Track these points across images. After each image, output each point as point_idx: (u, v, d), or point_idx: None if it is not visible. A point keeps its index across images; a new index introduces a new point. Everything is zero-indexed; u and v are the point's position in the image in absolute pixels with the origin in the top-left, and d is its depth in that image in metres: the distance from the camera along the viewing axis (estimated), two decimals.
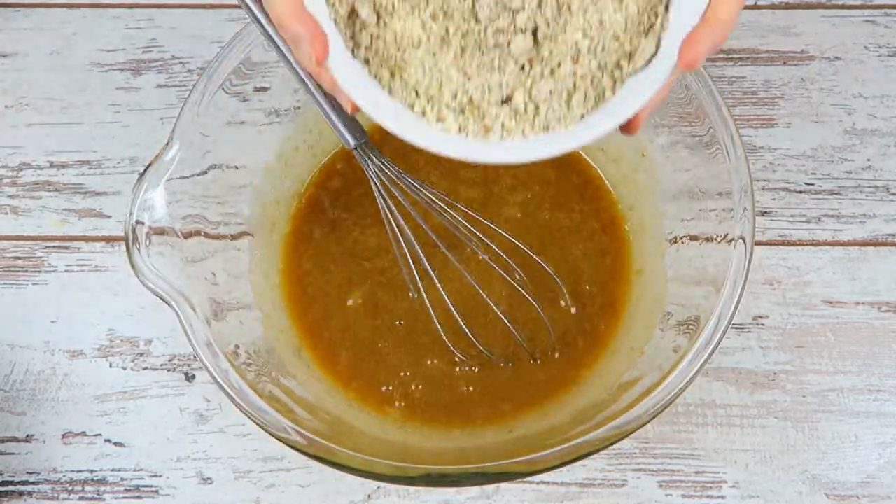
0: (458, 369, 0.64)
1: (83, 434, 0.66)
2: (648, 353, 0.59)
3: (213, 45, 0.77)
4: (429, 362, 0.65)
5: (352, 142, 0.57)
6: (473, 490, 0.63)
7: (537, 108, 0.45)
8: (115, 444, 0.65)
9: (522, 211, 0.69)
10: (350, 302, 0.66)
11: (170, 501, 0.64)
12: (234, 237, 0.63)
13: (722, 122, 0.59)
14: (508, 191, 0.69)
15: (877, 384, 0.66)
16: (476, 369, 0.64)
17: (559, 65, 0.45)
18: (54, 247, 0.71)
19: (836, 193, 0.72)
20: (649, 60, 0.45)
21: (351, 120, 0.56)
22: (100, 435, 0.66)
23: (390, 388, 0.64)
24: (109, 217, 0.72)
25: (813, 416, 0.66)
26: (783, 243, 0.71)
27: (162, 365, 0.67)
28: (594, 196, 0.69)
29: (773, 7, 0.79)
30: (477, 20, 0.44)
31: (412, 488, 0.63)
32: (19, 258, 0.71)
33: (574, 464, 0.52)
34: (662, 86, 0.44)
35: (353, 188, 0.70)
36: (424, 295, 0.63)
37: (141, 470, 0.65)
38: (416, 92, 0.45)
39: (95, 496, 0.64)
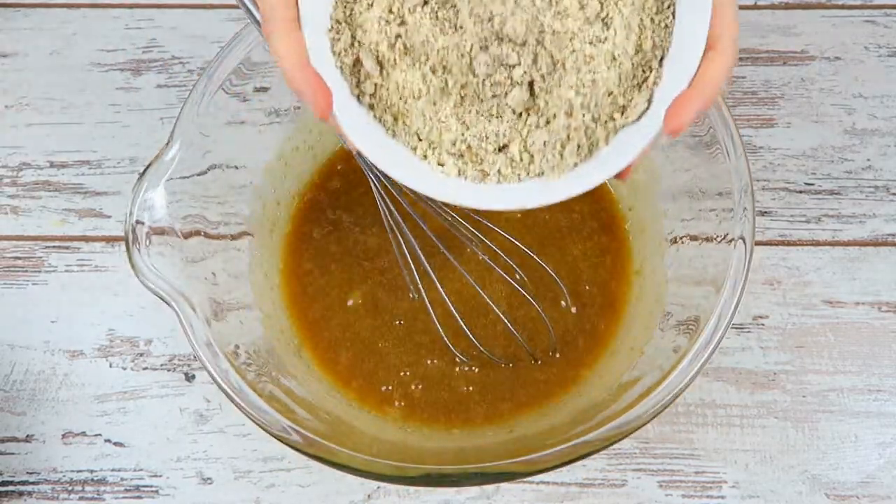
0: (457, 369, 0.64)
1: (83, 434, 0.66)
2: (648, 353, 0.59)
3: (213, 45, 0.77)
4: (429, 362, 0.65)
5: None
6: (473, 490, 0.63)
7: (532, 157, 0.47)
8: (115, 444, 0.65)
9: (522, 211, 0.69)
10: (350, 302, 0.66)
11: (170, 501, 0.64)
12: (234, 237, 0.63)
13: (722, 122, 0.59)
14: None
15: (877, 384, 0.66)
16: (476, 369, 0.64)
17: (554, 116, 0.46)
18: (54, 247, 0.71)
19: (836, 193, 0.72)
20: (641, 115, 0.46)
21: None
22: (100, 435, 0.66)
23: (390, 387, 0.64)
24: (109, 217, 0.72)
25: (813, 416, 0.66)
26: (783, 243, 0.71)
27: (162, 365, 0.67)
28: (594, 196, 0.69)
29: (773, 7, 0.79)
30: (475, 74, 0.46)
31: (412, 488, 0.63)
32: (19, 258, 0.71)
33: (574, 464, 0.52)
34: (652, 140, 0.46)
35: (354, 188, 0.70)
36: (425, 296, 0.63)
37: (141, 470, 0.65)
38: (419, 136, 0.47)
39: (95, 496, 0.64)
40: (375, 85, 0.47)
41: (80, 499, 0.64)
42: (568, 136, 0.46)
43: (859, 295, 0.69)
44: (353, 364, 0.65)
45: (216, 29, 0.78)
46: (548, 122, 0.46)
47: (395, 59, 0.46)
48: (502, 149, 0.47)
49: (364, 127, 0.47)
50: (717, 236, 0.58)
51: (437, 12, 0.45)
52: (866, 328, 0.68)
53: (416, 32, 0.46)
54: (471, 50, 0.45)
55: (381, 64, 0.47)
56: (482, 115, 0.47)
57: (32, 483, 0.64)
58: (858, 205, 0.72)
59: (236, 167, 0.63)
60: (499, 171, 0.47)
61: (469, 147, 0.47)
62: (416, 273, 0.63)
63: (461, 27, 0.45)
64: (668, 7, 0.46)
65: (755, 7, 0.79)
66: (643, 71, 0.46)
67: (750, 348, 0.67)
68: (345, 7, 0.47)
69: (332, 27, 0.47)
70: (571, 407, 0.61)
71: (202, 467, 0.65)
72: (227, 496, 0.64)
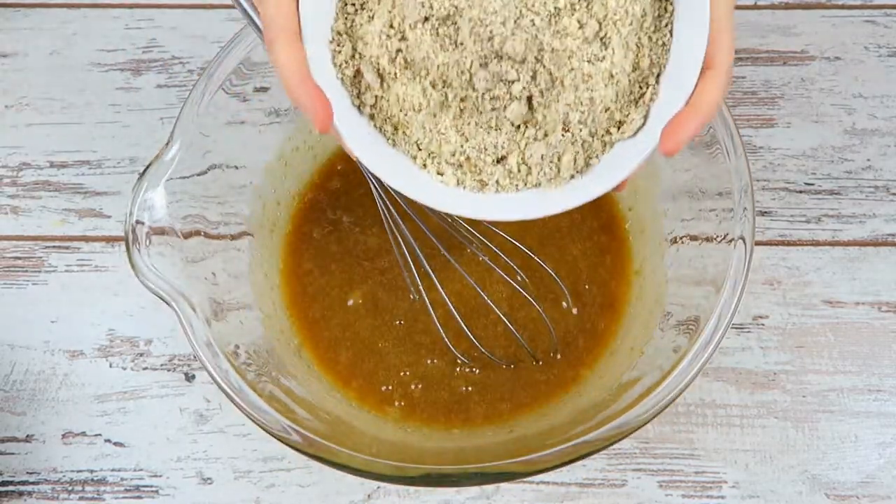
0: (457, 369, 0.64)
1: (83, 434, 0.66)
2: (648, 353, 0.59)
3: (213, 45, 0.77)
4: (429, 362, 0.65)
5: None
6: (473, 490, 0.63)
7: (530, 169, 0.47)
8: (115, 444, 0.65)
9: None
10: (350, 302, 0.66)
11: (170, 501, 0.64)
12: (234, 237, 0.63)
13: (722, 122, 0.59)
14: None
15: (877, 384, 0.66)
16: (476, 369, 0.64)
17: (552, 130, 0.47)
18: (54, 247, 0.71)
19: (836, 193, 0.72)
20: (637, 131, 0.47)
21: None
22: (100, 435, 0.66)
23: (390, 387, 0.64)
24: (109, 217, 0.72)
25: (813, 416, 0.66)
26: (783, 243, 0.71)
27: (162, 365, 0.67)
28: None
29: (773, 7, 0.79)
30: (474, 89, 0.46)
31: (412, 488, 0.63)
32: (19, 258, 0.71)
33: (574, 464, 0.52)
34: (648, 156, 0.46)
35: (354, 188, 0.70)
36: (425, 296, 0.63)
37: (141, 470, 0.65)
38: (418, 146, 0.48)
39: (95, 496, 0.64)
40: (376, 97, 0.48)
41: (80, 499, 0.64)
42: (565, 150, 0.47)
43: (859, 295, 0.69)
44: (353, 364, 0.65)
45: (216, 29, 0.78)
46: (546, 136, 0.47)
47: (395, 73, 0.47)
48: (501, 160, 0.48)
49: (364, 137, 0.48)
50: (717, 236, 0.58)
51: (437, 29, 0.46)
52: (866, 328, 0.68)
53: (417, 48, 0.46)
54: (471, 66, 0.46)
55: (381, 77, 0.47)
56: (481, 127, 0.47)
57: (32, 483, 0.64)
58: (858, 205, 0.72)
59: (236, 167, 0.63)
60: (497, 181, 0.48)
61: (468, 158, 0.48)
62: (416, 274, 0.63)
63: (461, 44, 0.46)
64: (666, 25, 0.47)
65: (755, 7, 0.79)
66: (640, 87, 0.47)
67: (750, 348, 0.67)
68: (346, 19, 0.48)
69: (333, 39, 0.47)
70: (571, 407, 0.61)
71: (202, 467, 0.65)
72: (227, 496, 0.64)
